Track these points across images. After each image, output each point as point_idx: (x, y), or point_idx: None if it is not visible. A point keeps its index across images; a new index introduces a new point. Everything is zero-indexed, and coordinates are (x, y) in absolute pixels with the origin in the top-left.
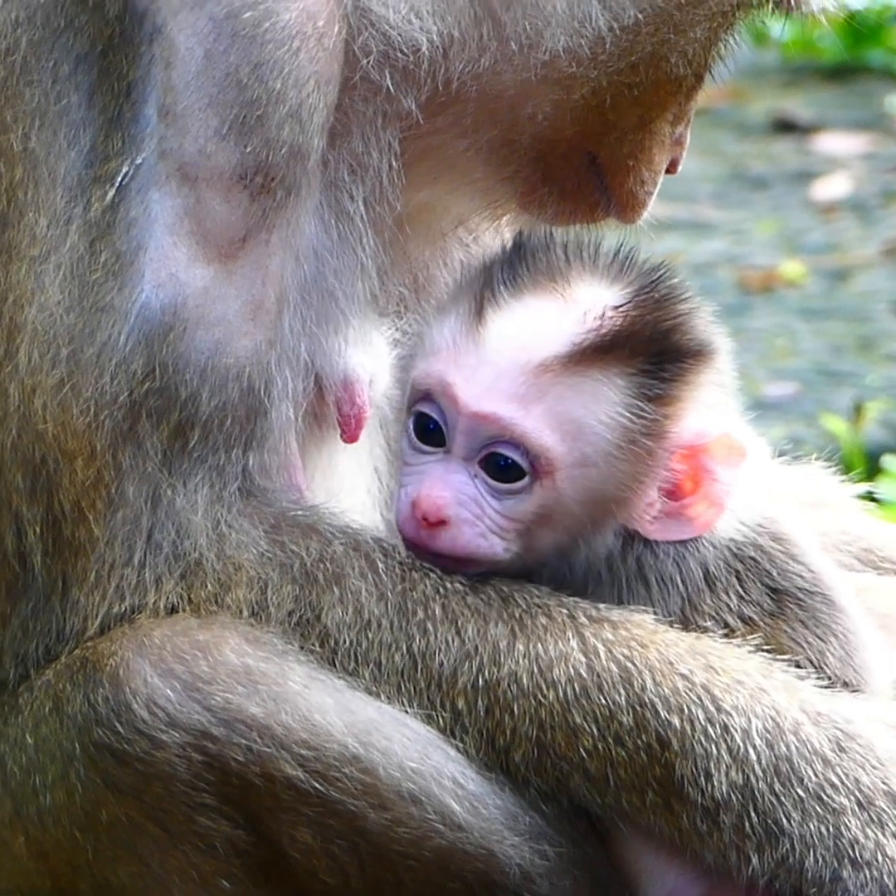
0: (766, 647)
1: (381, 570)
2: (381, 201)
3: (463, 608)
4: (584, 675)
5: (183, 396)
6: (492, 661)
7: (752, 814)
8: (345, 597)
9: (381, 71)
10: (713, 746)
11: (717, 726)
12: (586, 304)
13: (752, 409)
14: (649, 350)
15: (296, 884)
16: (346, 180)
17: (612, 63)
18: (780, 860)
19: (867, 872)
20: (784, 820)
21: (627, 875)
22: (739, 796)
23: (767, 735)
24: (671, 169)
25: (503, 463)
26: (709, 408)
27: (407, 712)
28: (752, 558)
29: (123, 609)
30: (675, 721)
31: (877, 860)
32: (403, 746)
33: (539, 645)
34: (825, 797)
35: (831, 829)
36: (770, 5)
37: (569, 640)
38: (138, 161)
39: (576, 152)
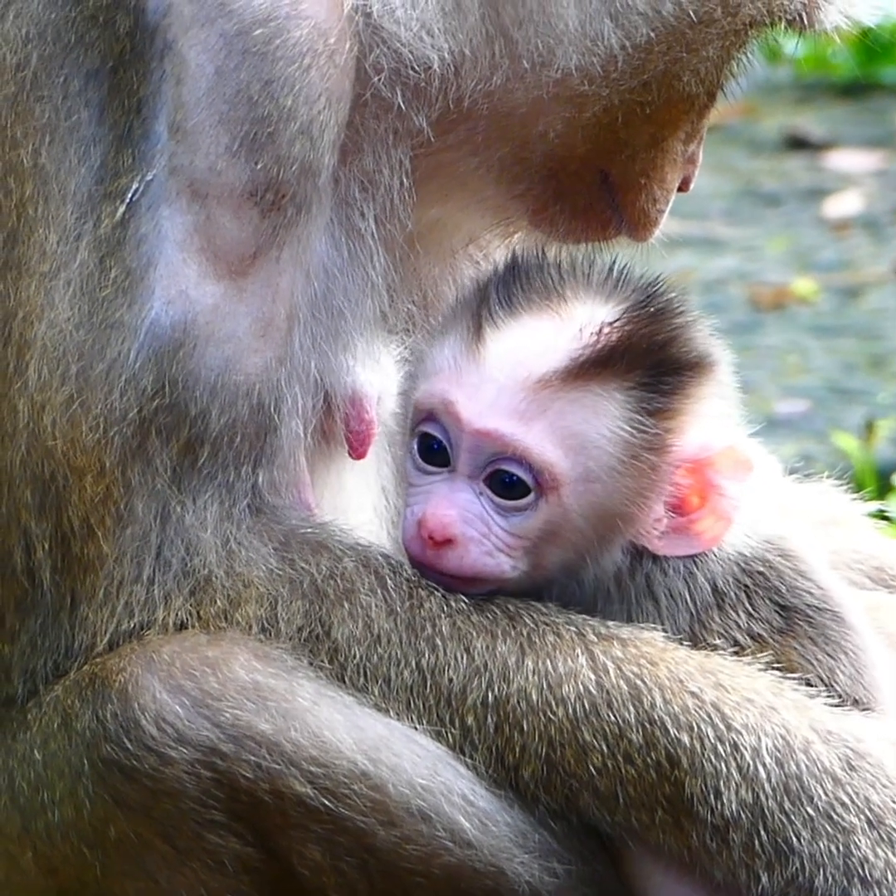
0: (776, 666)
1: (390, 587)
2: (391, 219)
3: (471, 625)
4: (594, 692)
5: (193, 413)
6: (501, 677)
7: (762, 832)
8: (355, 612)
9: (392, 88)
10: (723, 764)
11: (727, 744)
12: (582, 320)
13: (763, 427)
14: (646, 363)
15: None
16: (356, 198)
17: (624, 81)
18: (790, 879)
19: (877, 892)
20: (794, 838)
21: (637, 893)
22: (749, 815)
23: (777, 753)
24: (683, 187)
25: (508, 480)
26: (712, 421)
27: (416, 729)
28: (760, 573)
29: (132, 625)
30: (685, 739)
31: (887, 879)
32: (413, 763)
33: (548, 662)
34: (835, 816)
35: (841, 847)
36: (783, 24)
37: (578, 657)
38: (148, 177)
39: (587, 170)
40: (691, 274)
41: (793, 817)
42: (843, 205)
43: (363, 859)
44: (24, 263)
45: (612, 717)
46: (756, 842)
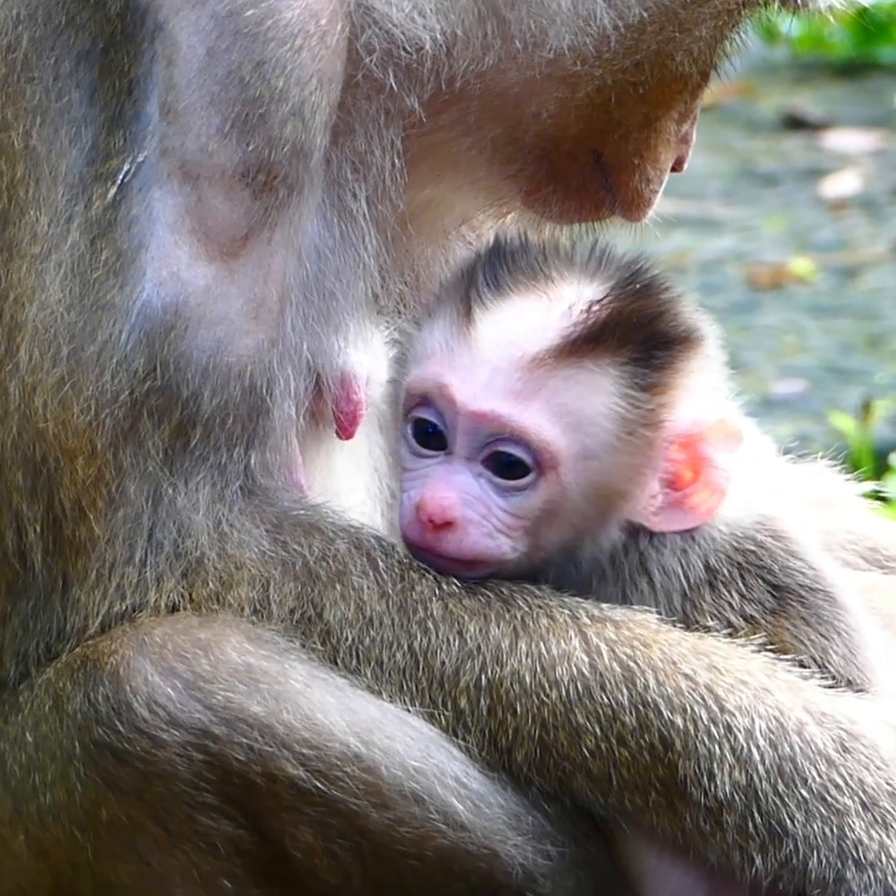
0: (769, 647)
1: (382, 569)
2: (383, 199)
3: (463, 609)
4: (587, 674)
5: (184, 395)
6: (494, 659)
7: (756, 814)
8: (347, 594)
9: (384, 69)
10: (716, 747)
11: (721, 726)
12: (570, 299)
13: (761, 407)
14: (637, 338)
15: (297, 883)
16: (348, 178)
17: (616, 61)
18: (784, 861)
19: (871, 873)
20: (788, 820)
21: (631, 875)
22: (743, 797)
23: (771, 735)
24: (677, 167)
25: (508, 460)
26: (702, 395)
27: (409, 711)
28: (752, 551)
29: (124, 608)
30: (679, 721)
31: (881, 861)
32: (406, 745)
33: (541, 644)
34: (829, 798)
35: (835, 829)
36: (776, 3)
37: (571, 639)
38: (140, 159)
39: (581, 150)
40: (688, 254)
41: (787, 799)
42: (841, 185)
43: (356, 842)
44: (15, 245)
45: (606, 700)
46: (750, 824)
